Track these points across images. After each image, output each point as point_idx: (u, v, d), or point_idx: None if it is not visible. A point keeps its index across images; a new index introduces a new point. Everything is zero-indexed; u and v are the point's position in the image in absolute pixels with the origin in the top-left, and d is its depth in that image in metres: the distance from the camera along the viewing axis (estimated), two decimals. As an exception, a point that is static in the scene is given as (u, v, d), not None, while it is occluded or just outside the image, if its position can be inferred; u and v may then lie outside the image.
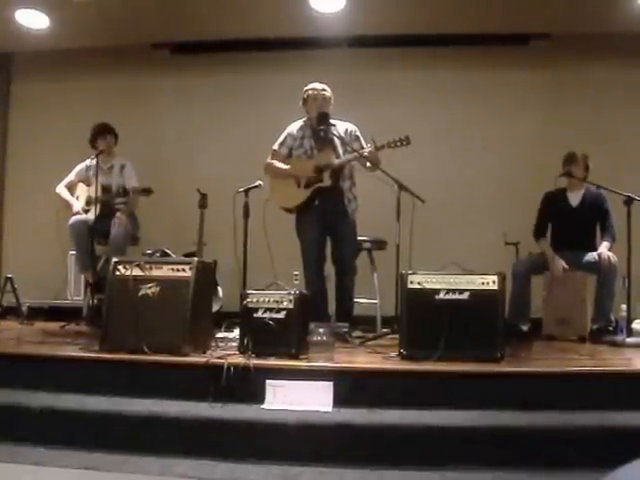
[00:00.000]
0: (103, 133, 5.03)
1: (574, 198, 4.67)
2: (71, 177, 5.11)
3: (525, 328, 4.53)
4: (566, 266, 4.46)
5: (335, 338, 3.45)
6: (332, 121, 4.31)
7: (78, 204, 4.95)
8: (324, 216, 4.23)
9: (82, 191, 5.06)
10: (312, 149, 4.30)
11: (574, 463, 2.43)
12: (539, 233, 4.72)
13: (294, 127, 4.40)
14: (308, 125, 4.36)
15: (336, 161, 4.21)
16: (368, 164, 4.19)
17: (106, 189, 4.91)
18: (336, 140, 4.26)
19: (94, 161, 4.78)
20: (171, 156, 6.19)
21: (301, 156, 4.32)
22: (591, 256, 4.44)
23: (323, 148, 4.27)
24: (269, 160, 4.39)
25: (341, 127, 4.34)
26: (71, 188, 5.09)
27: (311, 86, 4.37)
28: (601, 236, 4.57)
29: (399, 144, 4.06)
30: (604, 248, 4.44)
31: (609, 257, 4.33)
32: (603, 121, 5.74)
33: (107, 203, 4.87)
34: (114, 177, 5.01)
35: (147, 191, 4.71)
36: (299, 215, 4.32)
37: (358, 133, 4.37)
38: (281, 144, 4.39)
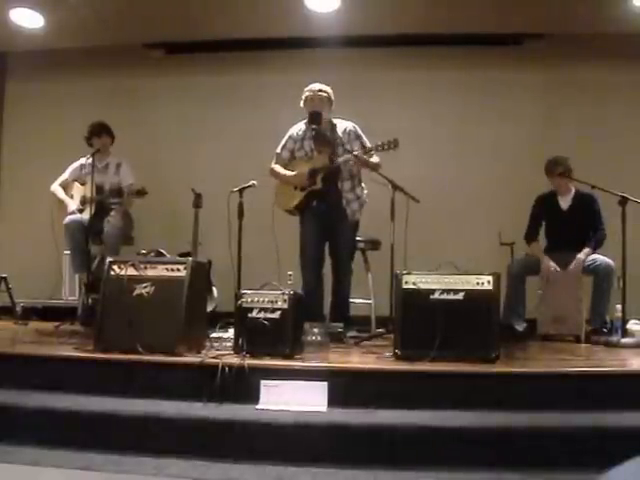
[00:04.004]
0: (98, 132, 5.03)
1: (564, 201, 4.72)
2: (65, 176, 5.10)
3: (520, 328, 4.54)
4: (556, 267, 4.49)
5: (330, 338, 3.44)
6: (333, 120, 4.31)
7: (73, 204, 4.94)
8: (322, 217, 4.24)
9: (77, 190, 5.05)
10: (312, 150, 4.30)
11: (569, 463, 2.42)
12: (530, 237, 4.76)
13: (295, 129, 4.40)
14: (308, 127, 4.34)
15: (331, 164, 4.18)
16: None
17: (100, 188, 4.90)
18: (337, 141, 4.24)
19: (89, 160, 4.77)
20: (166, 156, 6.17)
21: (302, 158, 4.32)
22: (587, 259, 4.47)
23: (322, 150, 4.26)
24: (272, 165, 4.40)
25: (340, 126, 4.32)
26: (65, 187, 5.08)
27: (309, 87, 4.35)
28: (590, 238, 4.58)
29: (386, 147, 4.06)
30: (583, 255, 4.48)
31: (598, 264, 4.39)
32: (598, 121, 5.76)
33: (101, 202, 4.86)
34: (109, 176, 5.00)
35: (141, 192, 4.70)
36: (300, 216, 4.35)
37: (359, 132, 4.33)
38: (283, 147, 4.41)
